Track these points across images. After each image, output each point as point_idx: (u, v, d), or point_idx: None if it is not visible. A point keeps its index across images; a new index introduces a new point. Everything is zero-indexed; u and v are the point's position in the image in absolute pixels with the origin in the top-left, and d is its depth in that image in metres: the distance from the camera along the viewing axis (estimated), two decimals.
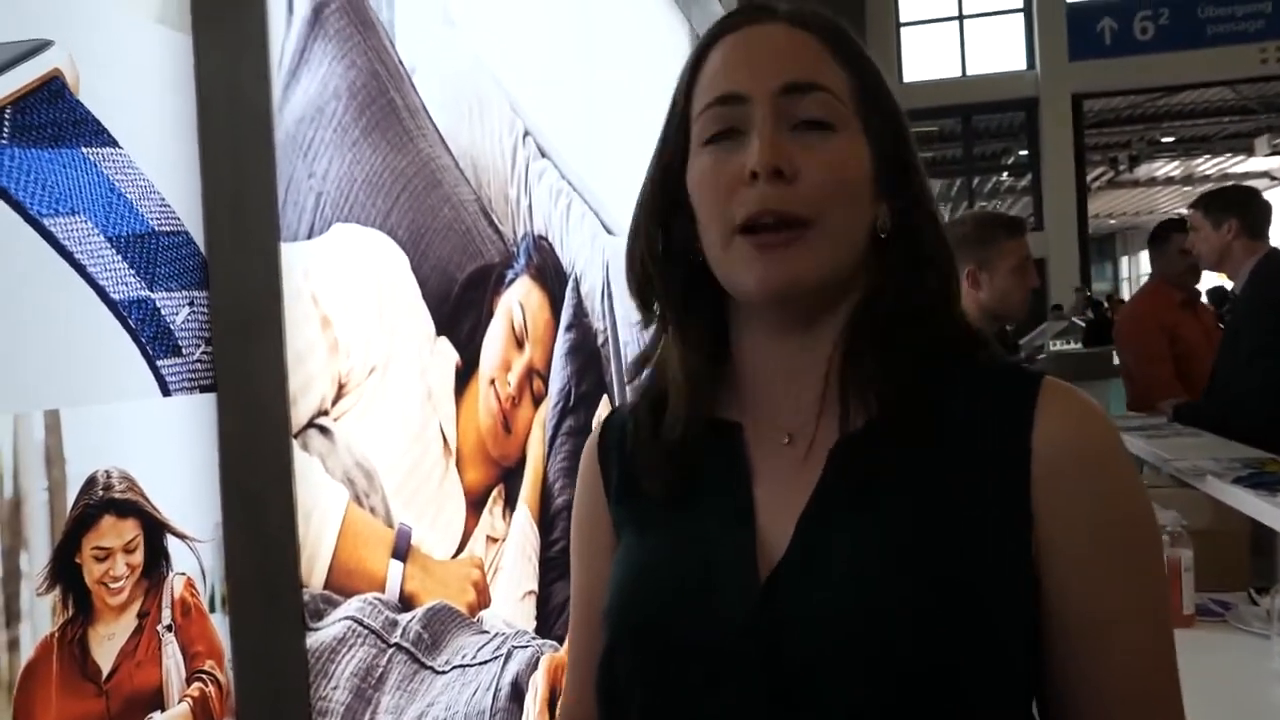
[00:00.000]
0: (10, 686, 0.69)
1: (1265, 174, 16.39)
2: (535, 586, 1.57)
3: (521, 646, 1.51)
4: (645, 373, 0.77)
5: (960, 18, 12.07)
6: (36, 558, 0.71)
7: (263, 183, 0.96)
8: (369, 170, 1.17)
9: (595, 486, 0.78)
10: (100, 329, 0.78)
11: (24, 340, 0.72)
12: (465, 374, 1.40)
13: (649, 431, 0.72)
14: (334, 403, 1.08)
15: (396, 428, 1.20)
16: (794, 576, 0.61)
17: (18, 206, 0.71)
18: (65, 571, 0.74)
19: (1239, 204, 2.70)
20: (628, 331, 2.04)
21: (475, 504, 1.39)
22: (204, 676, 0.87)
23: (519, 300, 1.59)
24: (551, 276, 1.71)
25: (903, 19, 12.08)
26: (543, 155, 1.70)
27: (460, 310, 1.38)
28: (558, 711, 0.71)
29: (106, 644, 0.77)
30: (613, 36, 2.06)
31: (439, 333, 1.33)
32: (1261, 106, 12.27)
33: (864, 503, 0.62)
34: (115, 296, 0.79)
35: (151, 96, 0.85)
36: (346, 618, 1.08)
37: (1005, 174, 15.88)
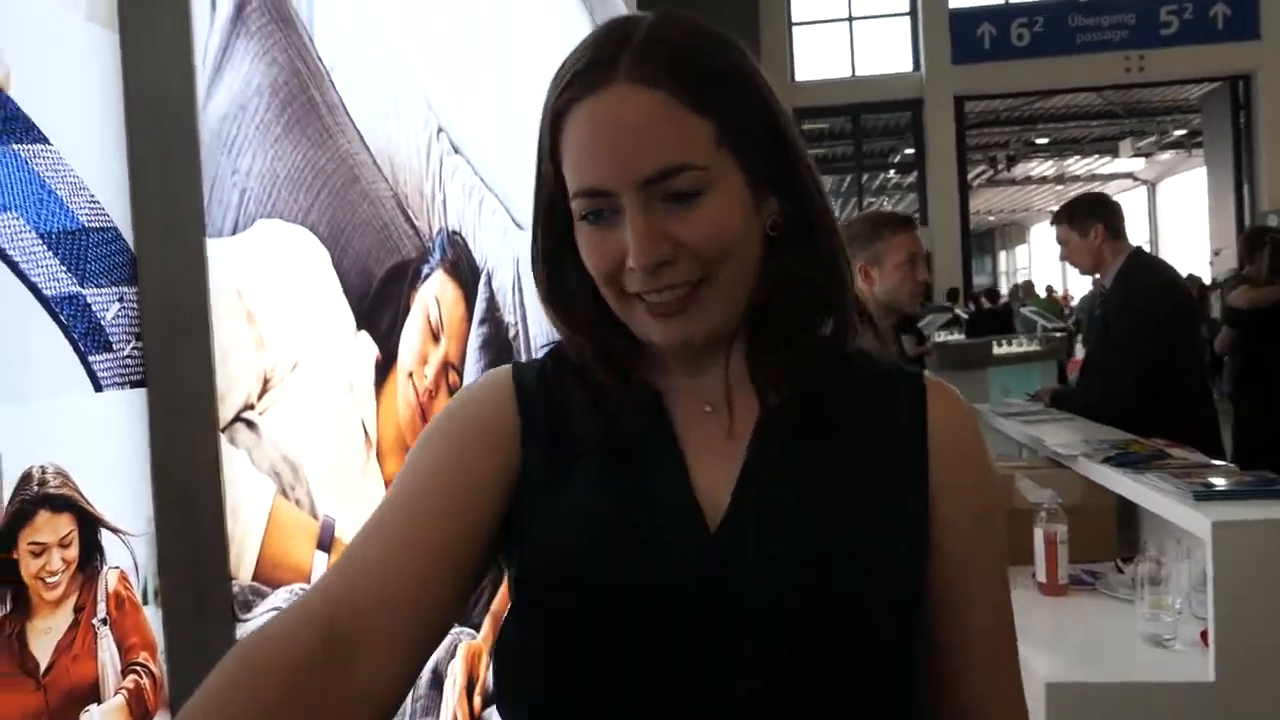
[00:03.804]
0: None
1: (1129, 175, 17.42)
2: None
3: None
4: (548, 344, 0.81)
5: (850, 19, 12.43)
6: None
7: (189, 179, 0.96)
8: (290, 167, 1.18)
9: (506, 417, 0.74)
10: (33, 325, 0.78)
11: None
12: (384, 367, 1.41)
13: (576, 392, 0.74)
14: (259, 397, 1.09)
15: (320, 421, 1.22)
16: (742, 531, 0.67)
17: None
18: (2, 567, 0.74)
19: (1098, 210, 2.90)
20: (538, 325, 2.08)
21: None
22: (138, 669, 0.87)
23: (435, 295, 1.61)
24: (465, 271, 1.74)
25: (795, 19, 12.37)
26: (456, 151, 1.72)
27: (379, 305, 1.40)
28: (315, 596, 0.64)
29: (44, 638, 0.77)
30: (523, 33, 2.09)
31: (359, 327, 1.34)
32: (1126, 112, 13.05)
33: (792, 471, 0.70)
34: (47, 293, 0.79)
35: (80, 94, 0.85)
36: (274, 609, 1.09)
37: (892, 171, 16.43)
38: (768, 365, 0.72)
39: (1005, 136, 14.83)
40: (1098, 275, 2.99)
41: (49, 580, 0.78)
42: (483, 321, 1.85)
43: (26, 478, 0.76)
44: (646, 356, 0.74)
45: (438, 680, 1.53)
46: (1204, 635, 1.63)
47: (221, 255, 1.01)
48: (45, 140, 0.80)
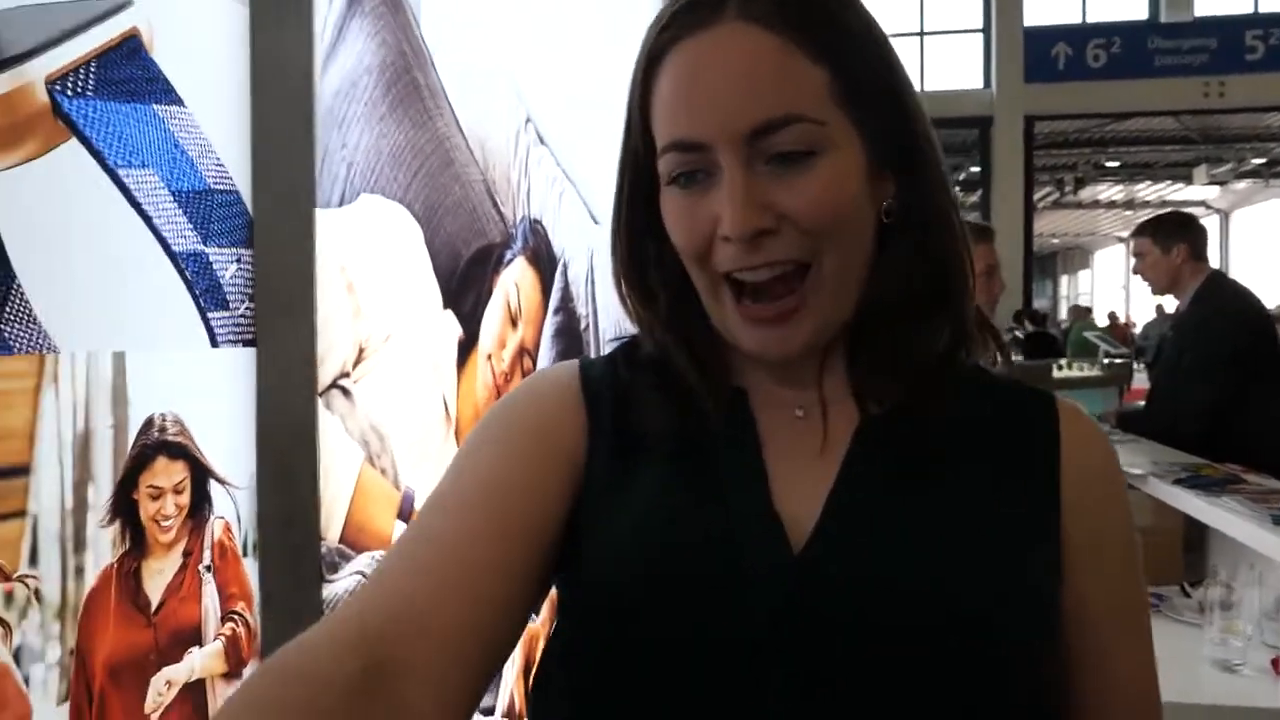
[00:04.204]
0: (75, 610, 0.73)
1: (1201, 203, 17.00)
2: None
3: None
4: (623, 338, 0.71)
5: (921, 34, 12.33)
6: (101, 491, 0.75)
7: (304, 150, 1.00)
8: (393, 145, 1.22)
9: (571, 413, 0.65)
10: (161, 279, 0.82)
11: (95, 283, 0.75)
12: (466, 347, 1.44)
13: (652, 387, 0.64)
14: (354, 365, 1.13)
15: (406, 394, 1.25)
16: (831, 552, 0.57)
17: (97, 156, 0.75)
18: (124, 506, 0.78)
19: (1185, 229, 2.85)
20: (608, 319, 2.10)
21: None
22: (236, 617, 0.91)
23: (515, 281, 1.64)
24: (544, 260, 1.77)
25: None
26: (541, 142, 1.75)
27: (465, 286, 1.43)
28: (358, 600, 0.53)
29: (156, 579, 0.81)
30: (610, 26, 2.12)
31: (445, 305, 1.37)
32: (1202, 138, 12.74)
33: (895, 486, 0.59)
34: (175, 248, 0.83)
35: (212, 62, 0.89)
36: (357, 573, 1.13)
37: (958, 188, 16.21)
38: (872, 372, 0.62)
39: (1074, 159, 14.55)
40: (1170, 296, 2.93)
41: (163, 524, 0.81)
42: (557, 311, 1.88)
43: (149, 423, 0.80)
44: (730, 351, 0.64)
45: None
46: (1275, 663, 1.60)
47: (328, 226, 1.05)
48: (180, 102, 0.84)
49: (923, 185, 0.61)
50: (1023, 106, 10.99)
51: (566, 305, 1.90)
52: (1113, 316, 14.57)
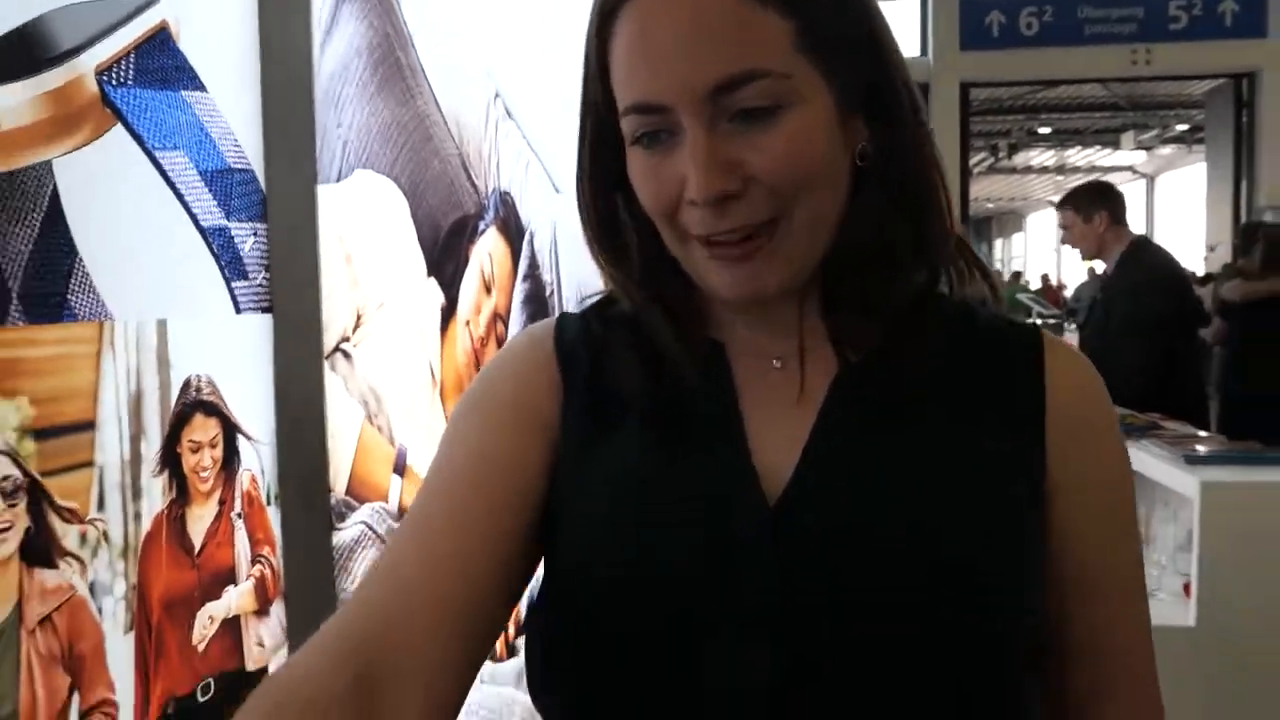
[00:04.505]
0: (135, 551, 0.81)
1: (1129, 167, 17.53)
2: None
3: None
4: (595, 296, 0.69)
5: None
6: (151, 445, 0.83)
7: (306, 130, 1.08)
8: (381, 122, 1.29)
9: (534, 384, 0.64)
10: (192, 251, 0.89)
11: (139, 256, 0.83)
12: (447, 314, 1.53)
13: (625, 346, 0.63)
14: (353, 330, 1.21)
15: (397, 358, 1.33)
16: (806, 504, 0.56)
17: (139, 140, 0.82)
18: (170, 459, 0.86)
19: (1104, 197, 3.03)
20: (570, 286, 2.19)
21: None
22: (263, 560, 1.00)
23: (488, 250, 1.73)
24: (513, 230, 1.85)
25: None
26: (509, 116, 1.83)
27: (445, 255, 1.51)
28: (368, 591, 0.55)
29: (198, 524, 0.89)
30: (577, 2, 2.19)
31: (429, 274, 1.46)
32: (1129, 104, 13.13)
33: (873, 435, 0.58)
34: (203, 223, 0.91)
35: (226, 50, 0.96)
36: (361, 522, 1.22)
37: None
38: (848, 317, 0.60)
39: (1008, 125, 14.87)
40: (1098, 260, 3.11)
41: (202, 474, 0.90)
42: (525, 278, 1.96)
43: (187, 384, 0.88)
44: (706, 303, 0.64)
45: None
46: (1186, 588, 1.77)
47: (328, 200, 1.13)
48: (203, 88, 0.91)
49: (898, 129, 0.59)
50: (959, 74, 11.21)
51: (534, 273, 1.99)
52: (1045, 279, 15.03)
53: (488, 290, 1.73)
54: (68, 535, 0.73)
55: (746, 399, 0.61)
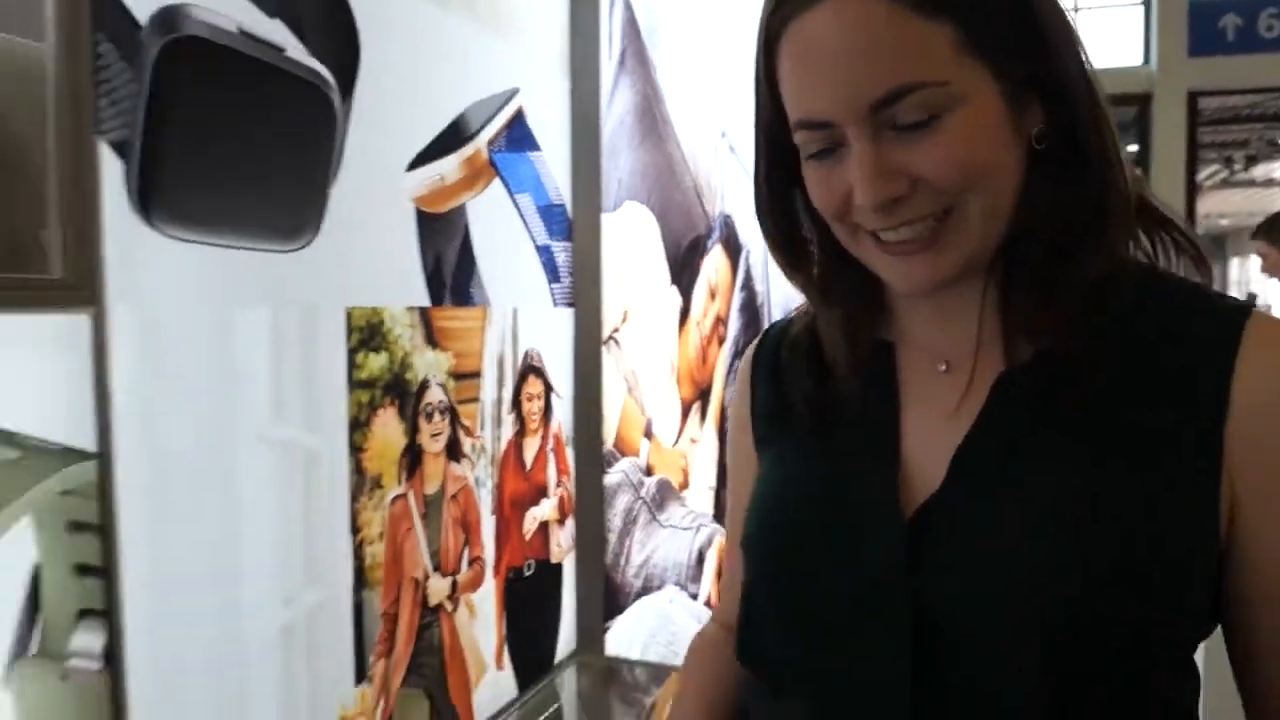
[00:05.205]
0: (497, 461, 1.21)
1: None
2: (714, 483, 2.07)
3: (706, 525, 2.01)
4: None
5: (1075, 9, 12.03)
6: (506, 394, 1.23)
7: (595, 174, 1.47)
8: (641, 163, 1.67)
9: (744, 399, 0.72)
10: (531, 261, 1.29)
11: (501, 263, 1.23)
12: (683, 315, 1.89)
13: (802, 351, 0.67)
14: (621, 324, 1.59)
15: (649, 347, 1.71)
16: (945, 520, 0.56)
17: (505, 185, 1.22)
18: (516, 403, 1.25)
19: None
20: (780, 300, 2.52)
21: (684, 413, 1.89)
22: (564, 485, 1.38)
23: (714, 265, 2.08)
24: (733, 247, 2.20)
25: None
26: (731, 150, 2.19)
27: (683, 268, 1.88)
28: (714, 614, 0.80)
29: (529, 451, 1.28)
30: None
31: (671, 283, 1.82)
32: None
33: (1031, 442, 0.56)
34: (537, 242, 1.30)
35: (551, 122, 1.36)
36: (621, 471, 1.59)
37: None
38: (1024, 303, 0.58)
39: (1245, 135, 13.84)
40: None
41: (532, 417, 1.29)
42: (742, 288, 2.31)
43: (526, 354, 1.28)
44: (887, 295, 0.64)
45: (702, 559, 2.01)
46: None
47: (607, 226, 1.51)
48: (538, 148, 1.31)
49: (1073, 111, 0.58)
50: (1186, 82, 10.62)
51: (749, 284, 2.34)
52: None
53: (713, 297, 2.09)
54: (466, 443, 1.14)
55: (907, 403, 0.62)
